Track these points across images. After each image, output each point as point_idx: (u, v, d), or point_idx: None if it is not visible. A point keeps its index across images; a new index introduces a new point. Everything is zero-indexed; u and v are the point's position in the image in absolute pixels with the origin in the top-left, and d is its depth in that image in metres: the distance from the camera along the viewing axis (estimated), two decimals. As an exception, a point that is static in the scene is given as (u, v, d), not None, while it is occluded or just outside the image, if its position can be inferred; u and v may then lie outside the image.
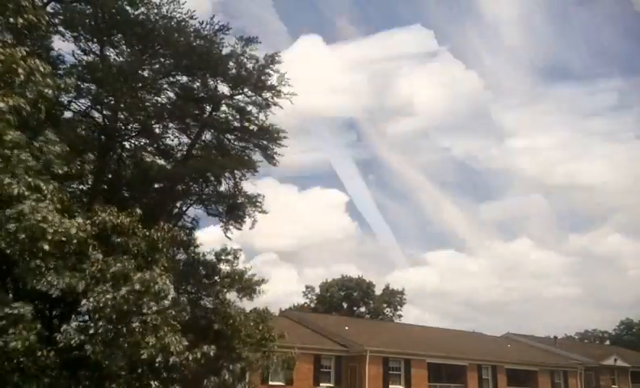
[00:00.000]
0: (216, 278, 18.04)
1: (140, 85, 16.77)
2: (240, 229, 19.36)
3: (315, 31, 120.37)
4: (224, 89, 17.53)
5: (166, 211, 16.76)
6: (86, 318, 11.73)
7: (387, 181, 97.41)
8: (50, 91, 9.62)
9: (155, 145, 18.05)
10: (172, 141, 18.28)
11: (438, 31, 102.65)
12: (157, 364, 9.06)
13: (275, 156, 18.43)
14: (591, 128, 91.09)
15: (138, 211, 12.40)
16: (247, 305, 17.39)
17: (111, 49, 16.28)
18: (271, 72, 17.13)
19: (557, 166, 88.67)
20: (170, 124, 17.69)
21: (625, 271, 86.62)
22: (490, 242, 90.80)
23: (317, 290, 62.04)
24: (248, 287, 17.64)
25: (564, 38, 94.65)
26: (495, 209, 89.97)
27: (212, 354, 9.14)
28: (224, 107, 17.84)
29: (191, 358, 9.06)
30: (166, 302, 10.54)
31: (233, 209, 19.06)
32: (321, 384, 28.81)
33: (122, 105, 16.06)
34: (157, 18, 15.67)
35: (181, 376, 9.28)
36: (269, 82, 17.27)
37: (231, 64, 16.92)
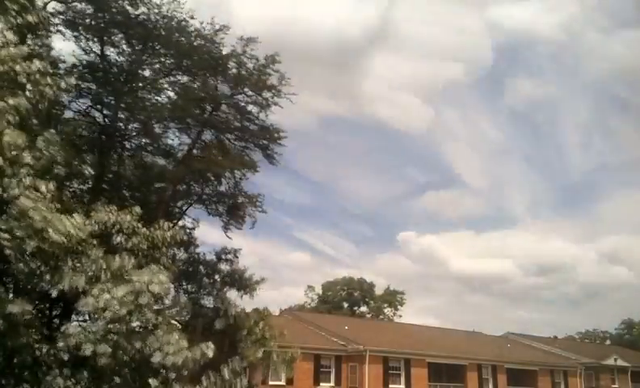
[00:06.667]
0: (217, 277, 18.10)
1: (140, 85, 16.80)
2: (240, 228, 19.39)
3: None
4: (224, 89, 17.55)
5: (167, 211, 16.77)
6: (86, 317, 11.77)
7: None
8: (50, 91, 9.65)
9: (156, 145, 18.05)
10: (172, 140, 18.31)
11: None
12: (156, 363, 9.08)
13: (275, 155, 18.47)
14: None
15: (138, 210, 12.41)
16: (247, 304, 17.44)
17: (112, 49, 16.29)
18: (271, 72, 17.15)
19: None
20: (171, 124, 17.68)
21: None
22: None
23: (318, 290, 62.11)
24: (248, 286, 17.70)
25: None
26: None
27: (211, 354, 9.16)
28: (224, 107, 17.85)
29: (190, 357, 9.08)
30: (166, 302, 10.56)
31: (234, 209, 19.08)
32: (321, 383, 28.89)
33: (122, 105, 16.08)
34: (158, 17, 15.71)
35: (180, 375, 9.31)
36: (269, 82, 17.29)
37: (231, 63, 16.94)
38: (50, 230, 8.52)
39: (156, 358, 8.93)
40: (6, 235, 8.35)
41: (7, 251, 8.59)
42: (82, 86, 15.63)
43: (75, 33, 15.58)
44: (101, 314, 9.21)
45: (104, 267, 10.65)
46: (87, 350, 9.11)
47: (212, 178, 18.50)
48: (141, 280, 9.27)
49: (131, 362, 9.31)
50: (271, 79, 17.24)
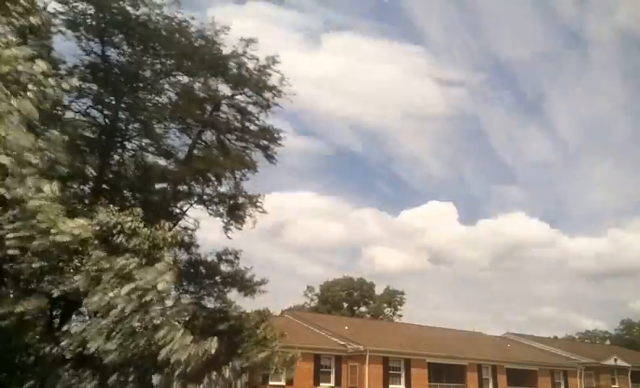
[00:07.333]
0: (217, 278, 18.14)
1: (141, 85, 16.84)
2: (240, 229, 19.42)
3: None
4: (225, 89, 17.63)
5: (168, 211, 16.80)
6: (86, 317, 11.80)
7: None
8: (52, 92, 9.67)
9: (156, 146, 18.08)
10: (173, 141, 18.35)
11: None
12: (160, 360, 9.14)
13: (275, 156, 18.53)
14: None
15: (139, 211, 12.44)
16: (248, 304, 17.48)
17: (113, 49, 16.31)
18: (271, 72, 17.23)
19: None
20: (172, 125, 17.74)
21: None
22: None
23: (318, 290, 62.16)
24: (249, 287, 17.73)
25: None
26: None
27: (213, 351, 9.22)
28: (224, 108, 17.93)
29: (192, 353, 9.13)
30: (168, 302, 10.60)
31: (234, 210, 19.12)
32: (321, 384, 28.91)
33: (123, 105, 16.13)
34: (159, 18, 15.75)
35: (183, 372, 9.35)
36: (270, 83, 17.36)
37: (232, 64, 17.02)
38: (55, 231, 8.57)
39: (162, 355, 8.98)
40: (11, 235, 8.39)
41: (11, 251, 8.63)
42: (83, 86, 15.65)
43: (76, 34, 15.60)
44: (106, 312, 9.25)
45: (106, 267, 10.69)
46: (92, 347, 9.16)
47: (213, 178, 18.53)
48: (147, 279, 9.32)
49: (136, 359, 9.35)
50: (271, 80, 17.33)
